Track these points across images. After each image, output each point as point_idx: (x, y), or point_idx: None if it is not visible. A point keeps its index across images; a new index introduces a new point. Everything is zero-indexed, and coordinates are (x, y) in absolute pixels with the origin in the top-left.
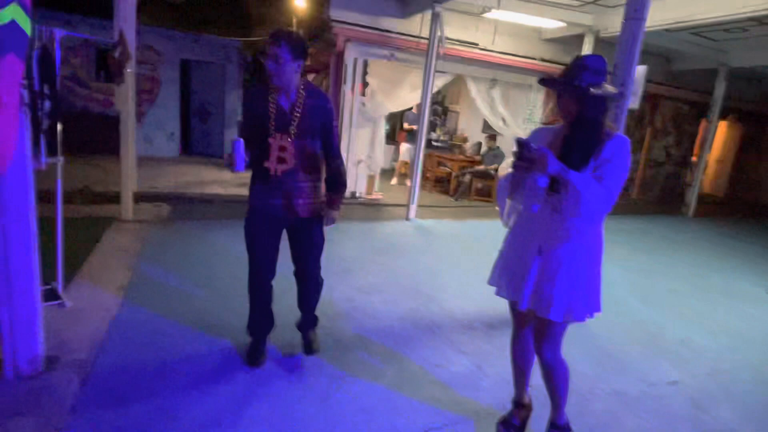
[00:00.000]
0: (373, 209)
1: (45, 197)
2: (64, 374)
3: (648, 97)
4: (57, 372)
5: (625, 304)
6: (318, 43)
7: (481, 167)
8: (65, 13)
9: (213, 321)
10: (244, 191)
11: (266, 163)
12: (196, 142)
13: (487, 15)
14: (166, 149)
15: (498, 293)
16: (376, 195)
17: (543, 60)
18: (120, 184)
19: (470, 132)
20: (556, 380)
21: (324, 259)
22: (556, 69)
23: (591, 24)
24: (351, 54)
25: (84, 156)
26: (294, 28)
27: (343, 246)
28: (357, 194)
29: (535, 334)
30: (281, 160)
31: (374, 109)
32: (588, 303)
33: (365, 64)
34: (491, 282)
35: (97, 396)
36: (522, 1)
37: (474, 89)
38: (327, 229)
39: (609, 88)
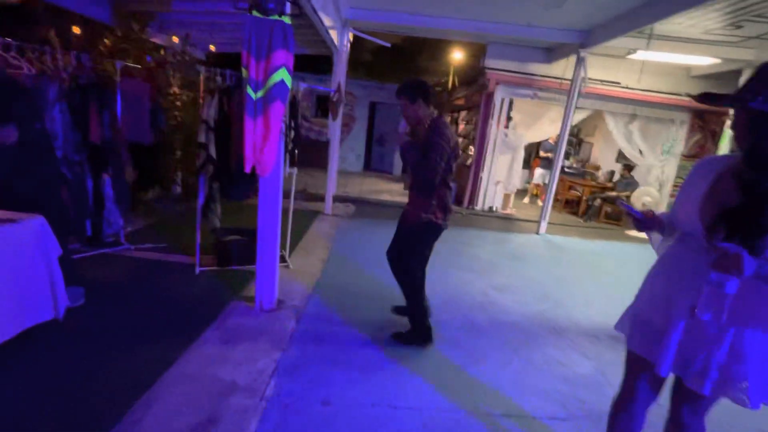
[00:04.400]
0: (507, 222)
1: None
2: (287, 314)
3: None
4: (283, 311)
5: None
6: (473, 86)
7: (613, 193)
8: (299, 71)
9: (387, 294)
10: (406, 199)
11: None
12: (375, 161)
13: (632, 56)
14: (354, 165)
15: (629, 345)
16: (511, 210)
17: (689, 96)
18: (325, 188)
19: (603, 161)
20: None
21: (464, 259)
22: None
23: (752, 59)
24: (499, 94)
25: (303, 168)
26: (450, 76)
27: (481, 249)
28: (494, 209)
29: (675, 396)
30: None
31: (515, 139)
32: None
33: (510, 102)
34: (619, 327)
35: (305, 333)
36: (673, 41)
37: (612, 123)
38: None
39: None
